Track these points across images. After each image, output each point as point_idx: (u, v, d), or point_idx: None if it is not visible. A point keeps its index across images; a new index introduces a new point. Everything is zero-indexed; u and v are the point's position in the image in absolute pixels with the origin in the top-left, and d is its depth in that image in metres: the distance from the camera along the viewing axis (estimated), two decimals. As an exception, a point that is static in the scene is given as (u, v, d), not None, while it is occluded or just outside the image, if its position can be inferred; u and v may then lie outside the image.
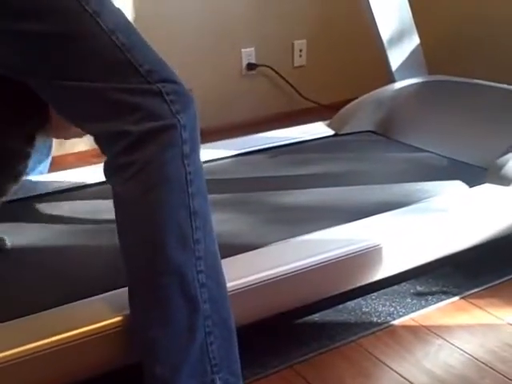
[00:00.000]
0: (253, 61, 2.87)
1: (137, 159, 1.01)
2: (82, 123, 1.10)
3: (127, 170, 1.03)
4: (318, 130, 2.14)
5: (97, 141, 1.08)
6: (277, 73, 2.90)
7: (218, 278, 1.10)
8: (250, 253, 1.36)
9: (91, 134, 1.09)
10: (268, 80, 2.93)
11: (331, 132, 2.13)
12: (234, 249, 1.35)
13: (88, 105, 1.05)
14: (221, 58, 2.77)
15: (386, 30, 2.22)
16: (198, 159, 1.07)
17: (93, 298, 1.19)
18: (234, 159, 1.86)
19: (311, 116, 2.65)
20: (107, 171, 1.07)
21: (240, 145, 1.96)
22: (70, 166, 2.17)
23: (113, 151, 1.04)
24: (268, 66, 2.89)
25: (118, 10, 1.08)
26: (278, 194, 1.68)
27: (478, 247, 1.55)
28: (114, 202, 1.07)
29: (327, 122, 2.19)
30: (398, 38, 2.25)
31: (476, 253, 1.57)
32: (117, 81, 1.02)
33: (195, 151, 1.06)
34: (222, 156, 1.87)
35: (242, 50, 2.84)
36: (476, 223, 1.55)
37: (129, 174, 1.02)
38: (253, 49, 2.86)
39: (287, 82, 2.93)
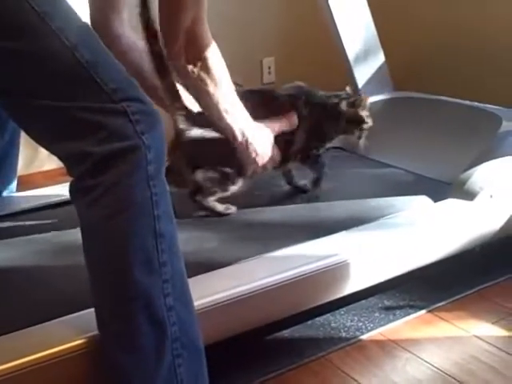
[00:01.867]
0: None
1: (101, 182, 1.00)
2: (46, 144, 1.08)
3: (91, 193, 1.01)
4: (286, 146, 2.16)
5: (62, 161, 1.07)
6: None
7: (185, 299, 1.09)
8: (219, 270, 1.37)
9: (56, 155, 1.07)
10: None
11: (298, 149, 2.14)
12: (203, 267, 1.36)
13: (51, 124, 1.03)
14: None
15: (351, 48, 2.26)
16: (163, 180, 1.06)
17: (60, 319, 1.18)
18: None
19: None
20: (72, 193, 1.06)
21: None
22: (38, 184, 2.15)
23: (77, 172, 1.03)
24: (238, 84, 2.90)
25: (85, 25, 1.06)
26: (245, 212, 1.68)
27: (443, 261, 1.57)
28: (80, 224, 1.06)
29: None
30: (364, 55, 2.29)
31: (442, 266, 1.59)
32: (80, 100, 1.00)
33: (160, 172, 1.05)
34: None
35: (211, 67, 2.86)
36: (441, 237, 1.57)
37: (93, 197, 1.01)
38: (221, 66, 2.88)
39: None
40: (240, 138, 1.43)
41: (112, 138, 1.00)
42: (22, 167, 2.02)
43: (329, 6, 2.19)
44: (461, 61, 2.66)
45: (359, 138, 1.76)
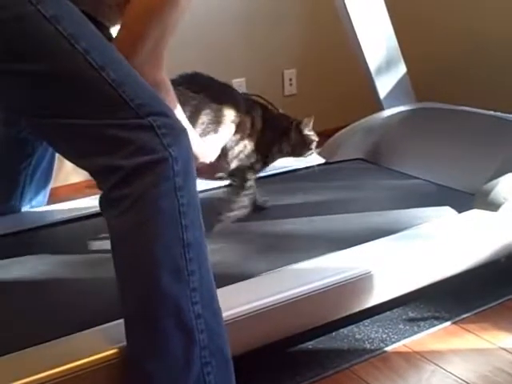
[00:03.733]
0: (244, 90, 2.91)
1: (129, 193, 1.03)
2: (75, 159, 1.11)
3: (120, 204, 1.04)
4: (309, 158, 2.17)
5: (91, 175, 1.10)
6: (267, 101, 2.93)
7: (213, 308, 1.11)
8: (243, 282, 1.38)
9: (85, 169, 1.10)
10: (259, 109, 2.96)
11: (322, 160, 2.16)
12: (226, 279, 1.37)
13: (80, 141, 1.06)
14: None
15: (372, 60, 2.27)
16: (192, 190, 1.08)
17: (91, 329, 1.20)
18: (224, 189, 1.88)
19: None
20: (102, 205, 1.09)
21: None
22: (63, 197, 2.18)
23: (106, 185, 1.05)
24: (259, 96, 2.92)
25: (109, 44, 1.10)
26: (269, 224, 1.70)
27: (467, 272, 1.57)
28: (110, 235, 1.09)
29: (317, 150, 2.22)
30: (385, 66, 2.29)
31: (466, 278, 1.58)
32: (108, 117, 1.03)
33: (189, 183, 1.07)
34: (213, 187, 1.89)
35: (233, 80, 2.88)
36: (465, 248, 1.57)
37: (122, 208, 1.04)
38: (243, 79, 2.91)
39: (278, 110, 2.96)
40: None
41: (140, 152, 1.03)
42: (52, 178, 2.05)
43: (350, 17, 2.20)
44: (482, 69, 2.66)
45: (308, 155, 1.77)
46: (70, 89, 1.03)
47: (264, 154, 1.70)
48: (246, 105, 1.67)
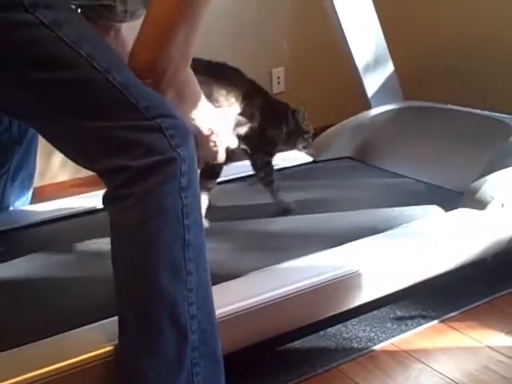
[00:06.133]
0: (232, 88, 2.90)
1: (136, 191, 1.04)
2: (85, 162, 1.12)
3: (125, 201, 1.05)
4: (297, 156, 2.16)
5: (99, 175, 1.10)
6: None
7: (208, 309, 1.11)
8: (232, 281, 1.38)
9: (94, 170, 1.11)
10: (247, 107, 2.96)
11: (309, 159, 2.16)
12: (216, 277, 1.36)
13: (90, 144, 1.07)
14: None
15: (360, 58, 2.27)
16: (196, 191, 1.10)
17: (80, 328, 1.20)
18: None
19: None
20: (106, 200, 1.09)
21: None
22: (51, 196, 2.17)
23: (114, 183, 1.06)
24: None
25: (111, 49, 1.11)
26: (257, 222, 1.69)
27: (455, 271, 1.58)
28: (111, 230, 1.09)
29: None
30: (373, 65, 2.29)
31: (454, 276, 1.59)
32: (117, 119, 1.04)
33: (193, 183, 1.08)
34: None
35: (221, 78, 2.88)
36: (452, 247, 1.57)
37: (127, 205, 1.05)
38: (231, 77, 2.89)
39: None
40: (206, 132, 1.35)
41: (150, 153, 1.04)
42: (35, 179, 2.03)
43: (338, 15, 2.20)
44: (469, 68, 2.66)
45: (303, 149, 1.75)
46: (78, 93, 1.04)
47: (266, 140, 1.68)
48: (247, 87, 1.64)
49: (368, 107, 2.32)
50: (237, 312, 1.29)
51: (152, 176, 1.03)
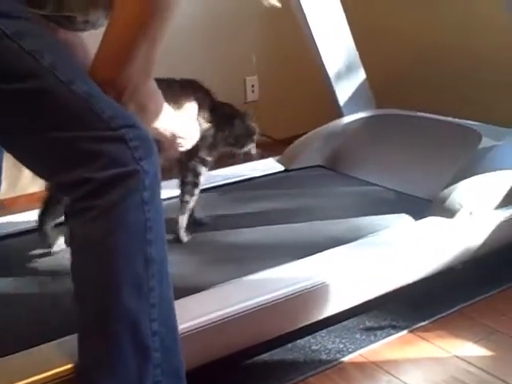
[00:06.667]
0: (204, 97, 2.88)
1: (98, 204, 1.01)
2: (46, 174, 1.10)
3: (87, 214, 1.02)
4: (268, 166, 2.16)
5: (59, 187, 1.09)
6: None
7: (171, 324, 1.09)
8: (197, 294, 1.35)
9: (56, 183, 1.09)
10: (221, 116, 2.94)
11: (281, 168, 2.15)
12: (180, 291, 1.34)
13: (51, 155, 1.05)
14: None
15: (332, 66, 2.26)
16: (159, 205, 1.07)
17: (42, 345, 1.17)
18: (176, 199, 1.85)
19: (265, 151, 2.66)
20: (67, 213, 1.07)
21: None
22: (22, 207, 2.13)
23: (75, 195, 1.04)
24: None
25: (74, 59, 1.09)
26: (225, 233, 1.68)
27: (425, 280, 1.57)
28: (71, 244, 1.07)
29: (277, 157, 2.21)
30: (344, 73, 2.29)
31: (424, 285, 1.58)
32: (80, 129, 1.02)
33: (156, 198, 1.06)
34: (168, 196, 1.87)
35: (194, 87, 2.86)
36: (422, 256, 1.56)
37: (88, 218, 1.02)
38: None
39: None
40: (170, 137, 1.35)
41: (112, 165, 1.01)
42: (5, 190, 2.00)
43: (308, 24, 2.19)
44: (444, 75, 2.67)
45: (249, 150, 1.71)
46: (40, 104, 1.02)
47: (210, 142, 1.63)
48: (192, 89, 1.62)
49: (341, 115, 2.32)
50: (203, 326, 1.27)
51: (114, 189, 1.01)
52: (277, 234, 1.67)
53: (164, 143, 1.29)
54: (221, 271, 1.46)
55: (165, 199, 1.71)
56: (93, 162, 1.01)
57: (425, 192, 1.82)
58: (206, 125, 1.60)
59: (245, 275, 1.42)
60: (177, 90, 1.54)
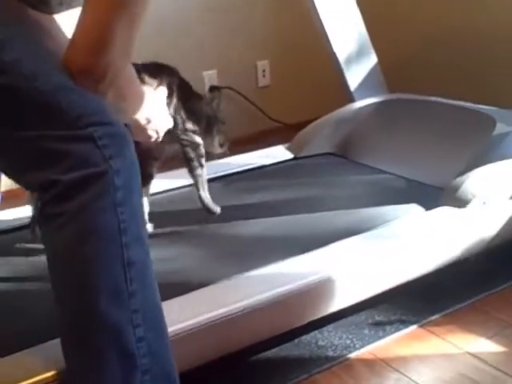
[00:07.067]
0: (215, 83, 2.83)
1: (66, 210, 0.97)
2: (14, 175, 1.05)
3: (56, 220, 0.98)
4: (277, 153, 2.11)
5: (29, 190, 1.05)
6: (239, 94, 2.88)
7: (158, 329, 1.04)
8: (200, 290, 1.32)
9: (24, 185, 1.04)
10: (232, 102, 2.89)
11: (290, 155, 2.10)
12: (183, 287, 1.32)
13: (17, 156, 1.00)
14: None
15: (341, 51, 2.20)
16: (135, 205, 1.02)
17: (29, 349, 1.14)
18: (185, 190, 1.81)
19: (277, 137, 2.61)
20: (39, 219, 1.03)
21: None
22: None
23: (43, 200, 0.99)
24: (230, 88, 2.85)
25: (45, 53, 1.03)
26: (231, 225, 1.64)
27: (436, 272, 1.52)
28: (46, 252, 1.02)
29: (286, 145, 2.17)
30: (355, 57, 2.23)
31: (435, 278, 1.53)
32: (45, 128, 0.97)
33: (131, 197, 1.00)
34: (173, 187, 1.83)
35: (204, 72, 2.81)
36: (432, 248, 1.51)
37: (58, 224, 0.97)
38: (215, 71, 2.83)
39: (251, 102, 2.90)
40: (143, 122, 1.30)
41: (79, 165, 0.96)
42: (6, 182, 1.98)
43: (316, 7, 2.13)
44: (455, 58, 2.59)
45: (220, 147, 1.66)
46: (4, 101, 0.96)
47: (189, 112, 1.58)
48: (164, 71, 1.55)
49: (351, 100, 2.26)
50: (207, 323, 1.23)
51: (82, 192, 0.96)
52: (284, 225, 1.63)
53: (137, 130, 1.24)
54: (226, 265, 1.42)
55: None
56: (59, 163, 0.95)
57: (437, 180, 1.76)
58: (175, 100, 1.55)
59: (250, 269, 1.38)
60: (148, 73, 1.48)
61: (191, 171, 1.62)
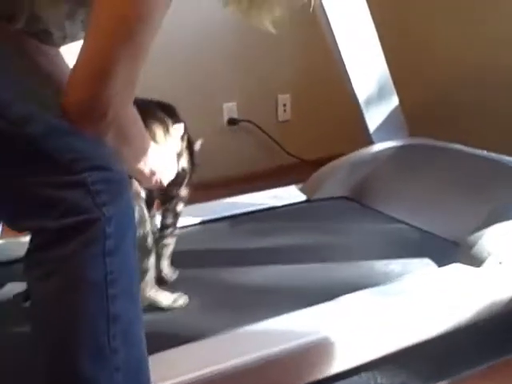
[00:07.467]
0: (235, 116, 2.80)
1: (52, 257, 0.93)
2: (5, 219, 1.02)
3: (41, 268, 0.94)
4: (289, 194, 2.05)
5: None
6: (259, 128, 2.83)
7: None
8: (190, 345, 1.25)
9: (14, 229, 1.00)
10: (251, 135, 2.85)
11: (303, 197, 2.03)
12: (172, 339, 1.25)
13: (7, 200, 0.96)
14: (200, 113, 2.69)
15: (362, 91, 2.14)
16: (127, 255, 0.97)
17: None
18: (188, 229, 1.76)
19: (295, 172, 2.56)
20: (25, 264, 0.97)
21: (199, 212, 1.85)
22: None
23: (30, 246, 0.95)
24: (250, 121, 2.81)
25: (36, 92, 0.99)
26: (231, 271, 1.57)
27: (445, 334, 1.43)
28: (30, 298, 0.98)
29: (300, 185, 2.10)
30: (376, 98, 2.17)
31: (444, 340, 1.44)
32: (35, 174, 0.93)
33: (121, 246, 0.96)
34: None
35: (224, 104, 2.77)
36: (443, 308, 1.43)
37: (44, 272, 0.94)
38: (235, 103, 2.79)
39: (270, 136, 2.85)
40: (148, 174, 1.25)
41: (69, 213, 0.92)
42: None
43: (338, 47, 2.08)
44: (482, 105, 2.51)
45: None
46: None
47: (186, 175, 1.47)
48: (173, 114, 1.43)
49: (370, 142, 2.19)
50: (195, 381, 1.17)
51: (70, 240, 0.91)
52: (289, 274, 1.56)
53: (141, 180, 1.19)
54: (220, 317, 1.36)
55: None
56: (48, 210, 0.91)
57: (453, 234, 1.68)
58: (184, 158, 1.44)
59: (247, 323, 1.31)
60: (160, 113, 1.37)
61: (162, 237, 1.47)
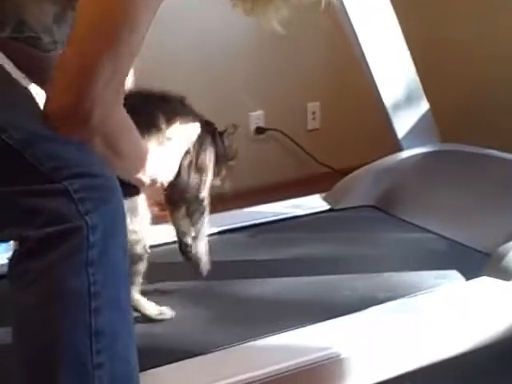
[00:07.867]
0: (262, 124, 2.73)
1: (33, 268, 0.89)
2: None
3: (22, 279, 0.90)
4: (313, 203, 1.97)
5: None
6: (287, 136, 2.76)
7: None
8: (194, 359, 1.19)
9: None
10: (279, 144, 2.78)
11: (327, 206, 1.95)
12: (173, 354, 1.19)
13: None
14: (227, 122, 2.63)
15: (389, 95, 2.05)
16: (112, 264, 0.92)
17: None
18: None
19: (324, 181, 2.48)
20: (8, 275, 0.94)
21: (218, 222, 1.79)
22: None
23: (14, 256, 0.92)
24: (278, 130, 2.74)
25: (16, 101, 0.96)
26: (248, 283, 1.50)
27: (471, 354, 1.33)
28: (12, 310, 0.93)
29: (324, 194, 2.02)
30: (404, 103, 2.07)
31: (470, 358, 1.34)
32: (14, 183, 0.90)
33: (108, 255, 0.91)
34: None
35: (251, 113, 2.71)
36: (468, 326, 1.33)
37: (24, 283, 0.90)
38: (262, 112, 2.73)
39: (298, 145, 2.78)
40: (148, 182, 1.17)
41: (51, 222, 0.89)
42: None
43: (363, 52, 2.00)
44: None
45: (223, 178, 1.43)
46: None
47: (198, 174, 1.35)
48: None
49: (399, 149, 2.10)
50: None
51: (52, 250, 0.87)
52: (305, 287, 1.48)
53: (141, 189, 1.14)
54: (227, 331, 1.29)
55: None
56: (29, 220, 0.88)
57: (483, 244, 1.57)
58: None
59: (254, 338, 1.24)
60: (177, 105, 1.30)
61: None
